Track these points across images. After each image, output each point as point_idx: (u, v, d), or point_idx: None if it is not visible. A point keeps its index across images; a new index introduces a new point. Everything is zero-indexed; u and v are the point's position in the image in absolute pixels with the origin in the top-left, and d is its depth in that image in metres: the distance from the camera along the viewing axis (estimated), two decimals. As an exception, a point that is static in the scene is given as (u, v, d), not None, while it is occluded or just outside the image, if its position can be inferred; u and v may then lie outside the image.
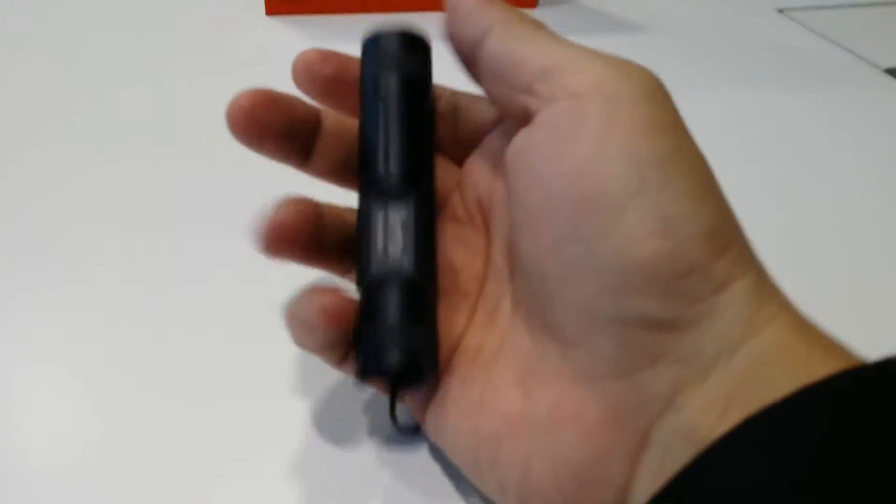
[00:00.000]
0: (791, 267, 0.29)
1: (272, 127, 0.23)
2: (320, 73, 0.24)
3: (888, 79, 0.50)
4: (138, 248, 0.34)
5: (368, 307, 0.23)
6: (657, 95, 0.20)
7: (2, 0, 0.62)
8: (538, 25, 0.22)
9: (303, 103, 0.24)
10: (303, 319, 0.21)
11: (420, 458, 0.24)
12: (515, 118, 0.21)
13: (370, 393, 0.27)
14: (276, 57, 0.53)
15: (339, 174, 0.25)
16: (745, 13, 0.61)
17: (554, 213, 0.19)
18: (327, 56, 0.24)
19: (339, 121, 0.25)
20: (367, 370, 0.22)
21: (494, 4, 0.22)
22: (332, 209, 0.24)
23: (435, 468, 0.24)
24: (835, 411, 0.16)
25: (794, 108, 0.46)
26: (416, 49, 0.25)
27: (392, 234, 0.23)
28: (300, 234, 0.23)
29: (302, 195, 0.23)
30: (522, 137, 0.21)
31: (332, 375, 0.27)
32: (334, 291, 0.22)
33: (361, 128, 0.24)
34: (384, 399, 0.26)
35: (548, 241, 0.20)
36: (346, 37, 0.53)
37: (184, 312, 0.30)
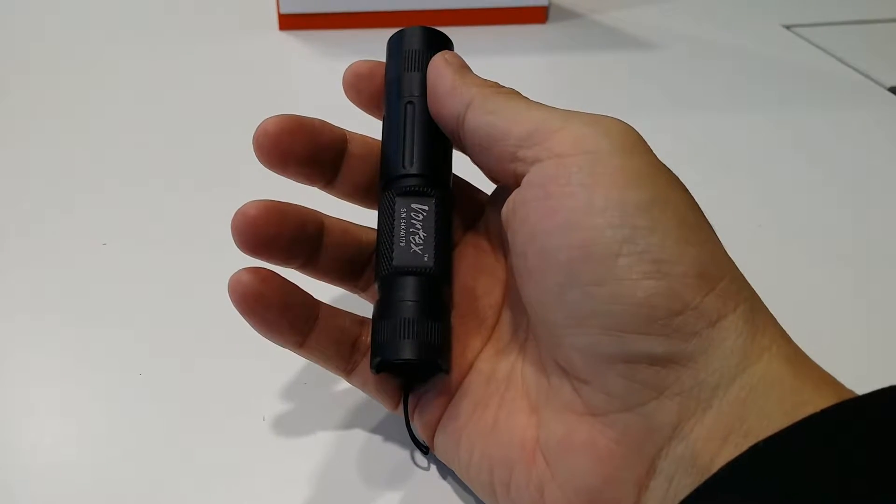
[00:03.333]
0: (795, 288, 0.30)
1: (297, 152, 0.24)
2: (368, 86, 0.25)
3: (892, 97, 0.51)
4: (150, 257, 0.35)
5: (386, 300, 0.23)
6: (635, 147, 0.21)
7: (21, 14, 0.63)
8: (513, 94, 0.23)
9: (329, 128, 0.25)
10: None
11: (429, 478, 0.25)
12: (506, 183, 0.23)
13: (379, 415, 0.28)
14: (288, 71, 0.54)
15: (363, 196, 0.26)
16: (752, 29, 0.61)
17: (551, 264, 0.20)
18: (375, 69, 0.25)
19: (365, 144, 0.26)
20: (382, 360, 0.23)
21: (470, 82, 0.23)
22: (337, 222, 0.25)
23: (445, 488, 0.25)
24: (824, 444, 0.17)
25: (798, 125, 0.47)
26: (439, 45, 0.26)
27: (412, 232, 0.24)
28: (264, 228, 0.23)
29: (275, 200, 0.24)
30: (514, 197, 0.22)
31: (343, 394, 0.28)
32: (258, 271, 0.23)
33: (385, 125, 0.25)
34: (386, 425, 0.27)
35: (549, 290, 0.21)
36: (357, 52, 0.54)
37: (195, 323, 0.31)
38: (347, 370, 0.25)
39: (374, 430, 0.27)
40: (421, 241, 0.24)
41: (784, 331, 0.20)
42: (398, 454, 0.26)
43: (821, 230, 0.38)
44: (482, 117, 0.23)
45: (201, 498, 0.24)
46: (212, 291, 0.33)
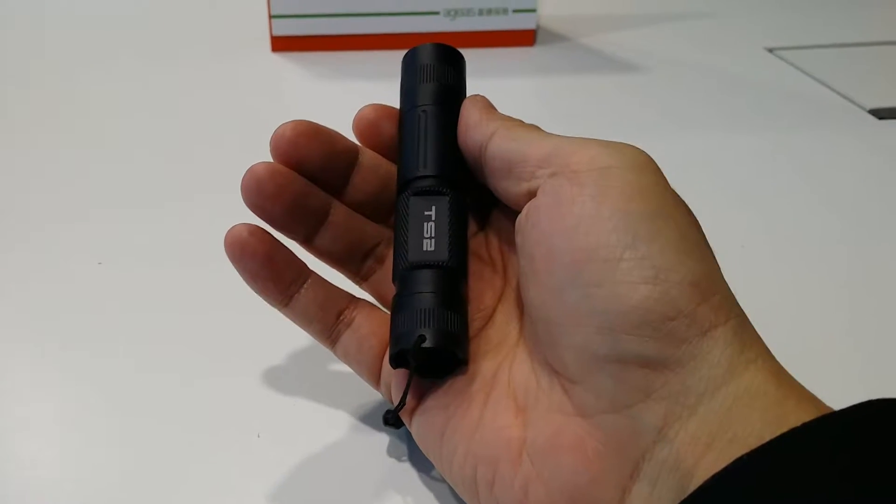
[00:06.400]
0: (778, 307, 0.30)
1: (312, 157, 0.26)
2: (379, 134, 0.27)
3: (872, 119, 0.52)
4: (145, 275, 0.35)
5: (403, 295, 0.24)
6: (645, 167, 0.22)
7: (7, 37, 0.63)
8: (534, 127, 0.25)
9: (344, 139, 0.27)
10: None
11: (426, 497, 0.26)
12: (523, 203, 0.24)
13: (376, 432, 0.28)
14: (281, 93, 0.55)
15: (371, 206, 0.27)
16: (736, 53, 0.63)
17: (556, 264, 0.22)
18: (381, 114, 0.27)
19: (375, 157, 0.27)
20: (399, 349, 0.23)
21: (496, 115, 0.26)
22: (344, 208, 0.26)
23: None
24: (806, 458, 0.17)
25: (780, 147, 0.48)
26: (451, 60, 0.28)
27: (427, 228, 0.25)
28: (269, 182, 0.25)
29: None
30: (529, 205, 0.23)
31: (339, 410, 0.29)
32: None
33: (400, 133, 0.27)
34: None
35: (551, 289, 0.22)
36: (349, 73, 0.55)
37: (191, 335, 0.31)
38: (331, 339, 0.26)
39: (371, 447, 0.27)
40: (436, 237, 0.25)
41: (769, 350, 0.21)
42: (396, 471, 0.26)
43: (803, 250, 0.38)
44: (504, 143, 0.24)
45: (197, 513, 0.25)
46: (207, 308, 0.33)
